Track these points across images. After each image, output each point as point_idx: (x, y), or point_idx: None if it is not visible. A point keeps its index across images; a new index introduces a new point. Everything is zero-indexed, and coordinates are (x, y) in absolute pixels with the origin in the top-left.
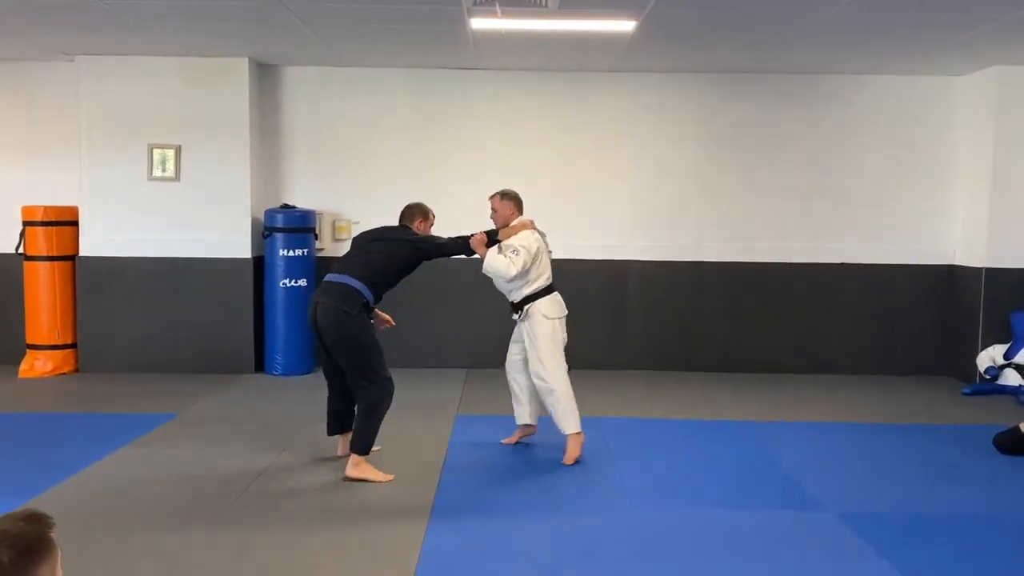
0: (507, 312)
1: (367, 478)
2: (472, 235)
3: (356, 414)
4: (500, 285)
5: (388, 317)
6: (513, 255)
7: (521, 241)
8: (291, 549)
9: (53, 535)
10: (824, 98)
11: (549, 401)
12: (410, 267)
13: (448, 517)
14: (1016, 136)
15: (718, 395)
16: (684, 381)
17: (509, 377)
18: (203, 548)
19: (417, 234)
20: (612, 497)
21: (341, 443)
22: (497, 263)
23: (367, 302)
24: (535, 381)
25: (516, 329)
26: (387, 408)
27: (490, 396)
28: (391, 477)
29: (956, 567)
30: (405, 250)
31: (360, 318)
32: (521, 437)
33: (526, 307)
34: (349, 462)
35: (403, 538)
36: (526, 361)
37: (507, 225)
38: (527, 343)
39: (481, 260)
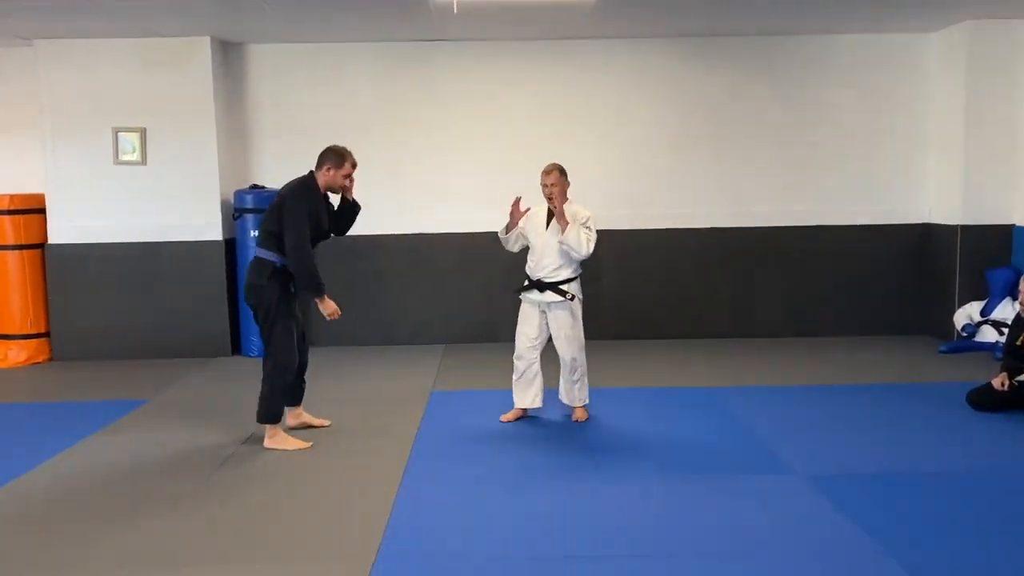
0: (486, 291)
1: (283, 447)
2: (324, 294)
3: (261, 384)
4: (548, 259)
5: None
6: (588, 232)
7: (590, 215)
8: (263, 524)
9: None
10: (795, 59)
11: (577, 377)
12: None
13: (417, 491)
14: (988, 91)
15: (694, 362)
16: (660, 349)
17: (526, 364)
18: (176, 529)
19: (289, 201)
20: (586, 466)
21: (291, 412)
22: (576, 239)
23: (279, 267)
24: (571, 361)
25: (530, 312)
26: (279, 383)
27: (466, 372)
28: (308, 445)
29: (923, 526)
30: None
31: (269, 287)
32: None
33: (563, 287)
34: (265, 433)
35: (369, 513)
36: (541, 344)
37: (563, 203)
38: (556, 324)
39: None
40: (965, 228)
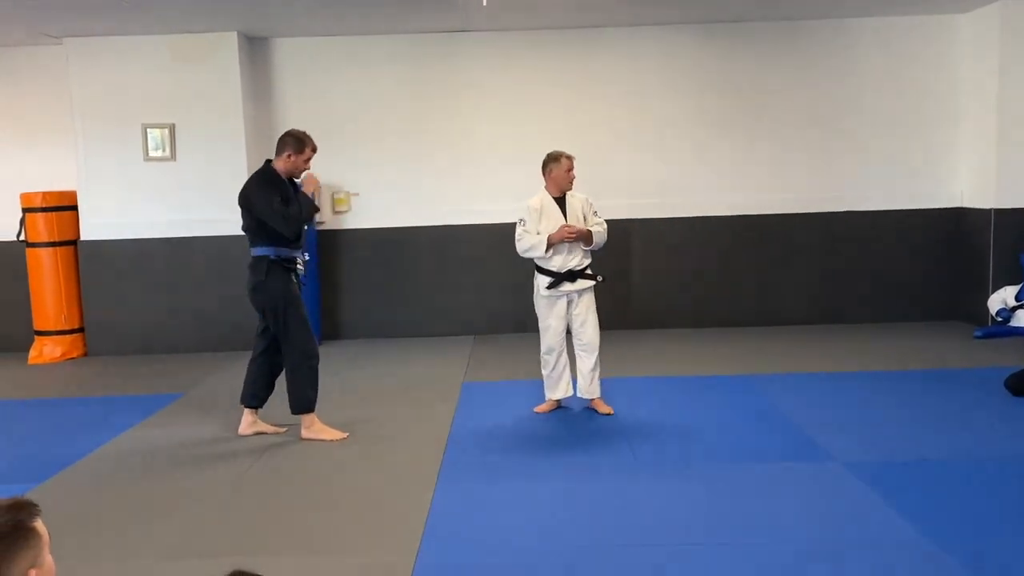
0: (515, 281)
1: (320, 438)
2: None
3: (287, 377)
4: (577, 249)
5: (312, 178)
6: (600, 223)
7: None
8: (306, 515)
9: (37, 524)
10: (825, 43)
11: (598, 363)
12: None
13: (456, 482)
14: (1021, 72)
15: (725, 350)
16: (689, 337)
17: (556, 356)
18: (218, 520)
19: (252, 196)
20: (624, 455)
21: (247, 417)
22: (602, 239)
23: (274, 259)
24: (597, 346)
25: (555, 305)
26: (307, 371)
27: (497, 363)
28: (346, 435)
29: (962, 512)
30: (252, 215)
31: (269, 283)
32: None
33: (587, 272)
34: (301, 424)
35: (410, 504)
36: (568, 335)
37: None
38: (584, 309)
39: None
40: (999, 212)
